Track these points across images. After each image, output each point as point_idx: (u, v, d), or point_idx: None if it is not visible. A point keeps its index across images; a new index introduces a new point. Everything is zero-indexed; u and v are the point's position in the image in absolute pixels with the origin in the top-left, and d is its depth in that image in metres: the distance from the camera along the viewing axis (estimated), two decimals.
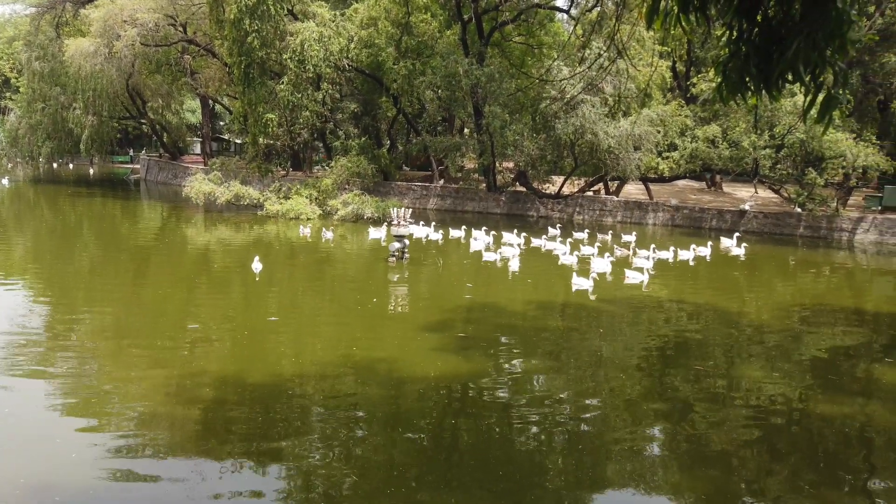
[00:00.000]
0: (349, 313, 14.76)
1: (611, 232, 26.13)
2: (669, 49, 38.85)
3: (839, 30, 3.34)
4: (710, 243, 23.59)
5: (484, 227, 24.83)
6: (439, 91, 34.69)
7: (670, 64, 40.06)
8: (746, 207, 32.45)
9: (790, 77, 3.56)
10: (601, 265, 19.21)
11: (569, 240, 22.84)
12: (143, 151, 63.07)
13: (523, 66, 37.40)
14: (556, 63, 31.05)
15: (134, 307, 14.72)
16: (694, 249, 22.32)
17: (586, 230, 26.67)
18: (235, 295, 16.26)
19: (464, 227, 25.16)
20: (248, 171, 35.65)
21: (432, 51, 35.15)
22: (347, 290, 17.35)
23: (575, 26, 35.61)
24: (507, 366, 11.65)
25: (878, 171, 29.90)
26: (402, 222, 20.00)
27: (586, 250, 21.42)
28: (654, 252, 21.38)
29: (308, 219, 29.55)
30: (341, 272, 19.97)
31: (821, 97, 3.66)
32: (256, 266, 17.73)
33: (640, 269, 18.57)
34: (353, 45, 33.52)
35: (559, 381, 10.92)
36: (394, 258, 19.89)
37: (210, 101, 51.43)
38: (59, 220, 30.49)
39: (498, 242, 23.01)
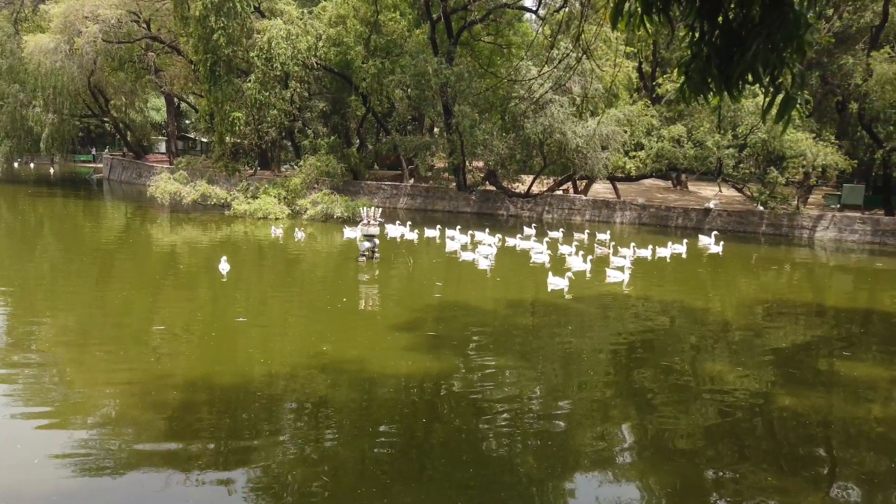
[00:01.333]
0: (319, 313, 14.67)
1: (587, 231, 26.43)
2: (636, 50, 39.37)
3: (796, 32, 3.44)
4: (685, 241, 24.09)
5: (459, 227, 24.88)
6: (409, 90, 34.65)
7: (636, 64, 40.59)
8: (711, 206, 33.07)
9: (750, 78, 3.66)
10: (579, 264, 19.45)
11: (546, 239, 23.08)
12: (107, 150, 61.76)
13: (492, 65, 37.58)
14: (524, 63, 31.25)
15: (97, 310, 14.42)
16: (671, 247, 22.89)
17: (561, 229, 26.88)
18: (202, 296, 16.03)
19: (438, 226, 25.19)
20: (214, 171, 35.17)
21: (401, 50, 35.09)
22: (317, 290, 17.24)
23: (543, 26, 35.86)
24: (477, 364, 11.70)
25: (837, 170, 30.72)
26: (372, 222, 19.94)
27: (564, 249, 21.56)
28: (634, 250, 21.83)
29: (276, 218, 29.26)
30: (311, 272, 19.83)
31: (780, 98, 3.76)
32: (224, 267, 17.50)
33: (620, 269, 18.83)
34: (321, 44, 33.29)
35: (529, 379, 11.01)
36: (364, 258, 19.82)
37: (175, 99, 50.56)
38: (19, 221, 29.69)
39: (474, 242, 23.05)
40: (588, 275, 19.01)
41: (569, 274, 17.60)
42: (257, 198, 30.88)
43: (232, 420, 8.91)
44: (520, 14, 38.81)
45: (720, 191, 40.57)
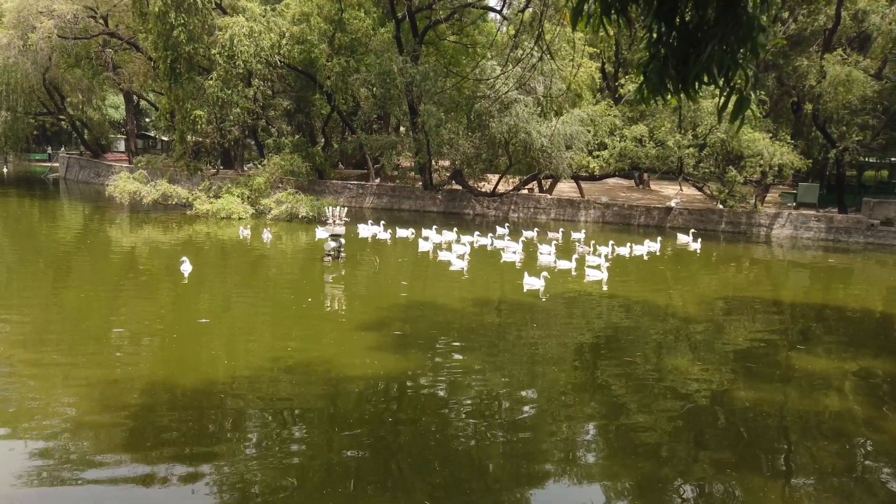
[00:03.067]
0: (284, 314, 14.52)
1: (561, 230, 26.71)
2: (598, 51, 39.84)
3: (750, 34, 3.53)
4: (659, 238, 24.67)
5: (435, 227, 24.87)
6: (374, 89, 34.50)
7: (600, 65, 41.09)
8: (672, 205, 33.69)
9: (706, 79, 3.75)
10: (565, 264, 19.72)
11: (521, 239, 23.28)
12: (63, 149, 60.17)
13: (458, 64, 37.63)
14: (490, 63, 31.38)
15: (54, 313, 14.05)
16: (647, 245, 23.61)
17: (536, 229, 26.99)
18: (164, 298, 15.73)
19: (412, 229, 25.14)
20: (175, 170, 34.52)
21: (366, 48, 34.93)
22: (282, 290, 17.06)
23: (508, 26, 36.07)
24: (444, 363, 11.73)
25: (793, 170, 31.56)
26: (337, 221, 19.81)
27: (544, 249, 21.73)
28: (612, 249, 22.36)
29: (240, 218, 28.87)
30: (275, 273, 19.61)
31: (735, 98, 3.86)
32: (185, 268, 17.20)
33: (598, 267, 19.06)
34: (284, 42, 32.90)
35: (496, 377, 11.07)
36: (329, 258, 19.68)
37: (134, 97, 49.52)
38: None
39: (449, 242, 22.98)
40: (573, 273, 19.24)
41: (544, 274, 17.54)
42: (220, 197, 30.40)
43: (195, 423, 8.77)
44: (484, 14, 38.96)
45: (681, 190, 41.34)
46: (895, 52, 31.55)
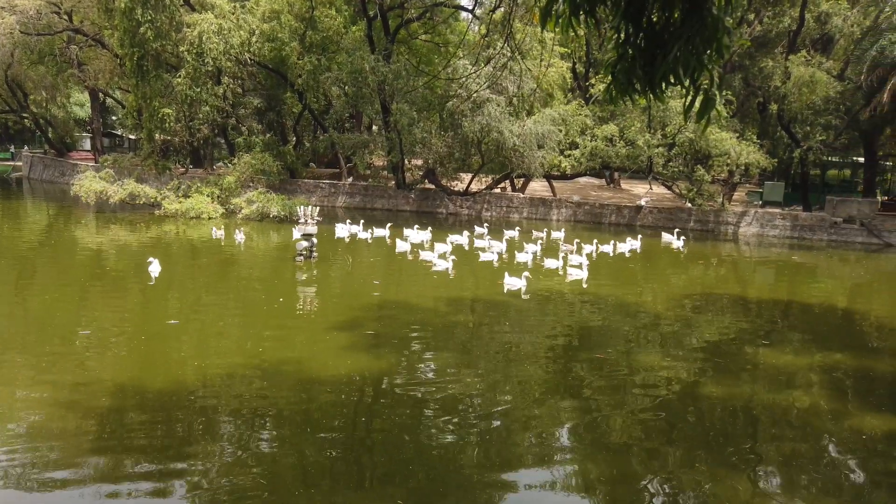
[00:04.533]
0: (255, 314, 14.38)
1: (546, 229, 26.88)
2: (570, 51, 40.13)
3: (714, 35, 3.60)
4: (640, 237, 25.09)
5: (416, 226, 24.81)
6: (346, 87, 34.33)
7: (570, 65, 41.41)
8: (642, 203, 34.13)
9: (672, 79, 3.81)
10: (552, 262, 19.93)
11: (506, 238, 23.38)
12: (26, 148, 58.68)
13: (430, 63, 37.62)
14: (462, 62, 31.42)
15: (18, 314, 13.72)
16: (629, 242, 24.12)
17: (517, 228, 27.04)
18: (132, 299, 15.46)
19: (389, 224, 25.06)
20: (143, 169, 33.93)
21: (338, 46, 34.72)
22: (253, 290, 16.88)
23: (480, 26, 36.16)
24: (417, 362, 11.73)
25: (759, 169, 32.18)
26: (309, 221, 19.67)
27: (530, 248, 21.83)
28: (597, 247, 22.86)
29: (210, 218, 28.49)
30: (247, 273, 19.39)
31: (700, 98, 3.93)
32: (154, 268, 16.92)
33: (579, 266, 19.20)
34: (254, 39, 32.55)
35: (470, 375, 11.10)
36: (301, 257, 19.54)
37: (100, 95, 48.54)
38: None
39: (432, 242, 22.90)
40: (560, 272, 19.41)
41: (526, 273, 17.42)
42: (189, 197, 29.97)
43: (165, 427, 8.64)
44: (456, 13, 39.02)
45: (651, 188, 41.88)
46: (856, 54, 32.34)
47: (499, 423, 9.39)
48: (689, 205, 32.73)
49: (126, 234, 24.96)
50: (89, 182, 30.82)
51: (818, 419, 9.95)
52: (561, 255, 20.58)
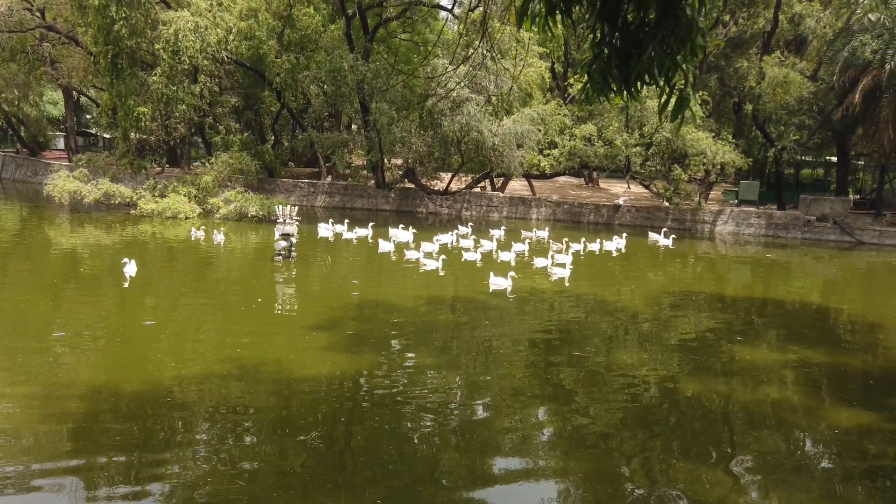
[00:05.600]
0: (233, 315, 14.25)
1: (535, 230, 26.98)
2: (548, 51, 40.30)
3: (688, 35, 3.64)
4: (625, 235, 25.31)
5: (401, 225, 24.73)
6: (325, 86, 34.11)
7: (549, 65, 41.59)
8: (620, 202, 34.40)
9: (647, 79, 3.85)
10: (541, 261, 20.02)
11: (495, 238, 23.45)
12: None
13: (409, 62, 37.54)
14: (441, 62, 31.41)
15: None
16: (615, 241, 24.45)
17: (503, 227, 27.00)
18: (107, 300, 15.23)
19: (371, 224, 24.95)
20: (118, 168, 33.43)
21: (316, 45, 34.51)
22: (231, 291, 16.72)
23: (459, 25, 36.15)
24: (397, 362, 11.71)
25: (735, 168, 32.60)
26: (288, 220, 19.54)
27: (518, 247, 21.84)
28: (585, 246, 23.17)
29: (187, 217, 28.16)
30: (224, 273, 19.21)
31: (675, 98, 3.98)
32: (129, 269, 16.67)
33: (562, 265, 19.26)
34: (231, 37, 32.20)
35: (449, 375, 11.11)
36: (280, 257, 19.40)
37: (74, 93, 47.79)
38: None
39: (418, 241, 22.79)
40: (549, 270, 19.47)
41: (511, 273, 17.33)
42: (166, 196, 29.59)
43: (141, 430, 8.53)
44: (435, 12, 38.98)
45: (629, 188, 42.21)
46: (829, 55, 32.89)
47: (478, 421, 9.40)
48: (667, 204, 33.06)
49: (101, 235, 24.59)
50: (63, 181, 30.31)
51: (792, 414, 10.11)
52: (551, 254, 20.67)
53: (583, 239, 23.47)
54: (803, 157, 37.98)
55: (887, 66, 27.79)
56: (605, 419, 9.66)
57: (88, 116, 61.98)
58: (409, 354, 12.11)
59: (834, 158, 38.60)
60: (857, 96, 29.26)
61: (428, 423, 9.18)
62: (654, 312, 16.17)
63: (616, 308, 16.40)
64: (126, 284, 16.14)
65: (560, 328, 14.56)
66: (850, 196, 35.68)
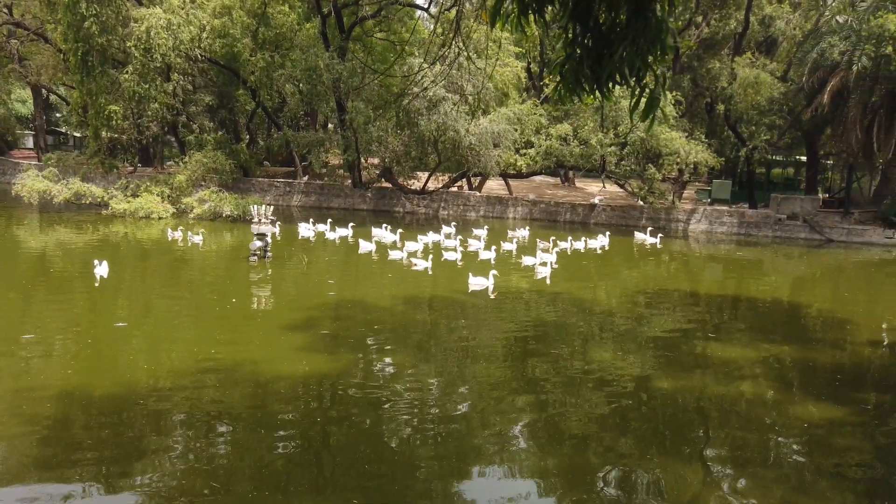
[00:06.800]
0: (207, 316, 14.10)
1: (519, 228, 27.05)
2: (524, 50, 40.50)
3: (658, 36, 3.70)
4: (607, 233, 25.69)
5: (385, 225, 24.63)
6: (300, 85, 33.92)
7: (525, 65, 41.79)
8: (596, 201, 34.71)
9: (619, 78, 3.90)
10: (531, 260, 20.19)
11: (482, 237, 23.49)
12: None
13: (385, 62, 37.45)
14: (417, 61, 31.39)
15: None
16: (600, 239, 24.76)
17: (486, 227, 27.00)
18: (78, 302, 14.98)
19: (351, 224, 24.83)
20: (89, 168, 32.90)
21: (291, 43, 34.28)
22: (205, 291, 16.54)
23: (435, 24, 36.15)
24: (374, 362, 11.68)
25: (707, 167, 33.09)
26: (263, 220, 19.39)
27: (507, 246, 21.84)
28: (571, 244, 23.51)
29: (160, 218, 27.80)
30: (198, 274, 18.99)
31: (645, 97, 4.03)
32: (99, 270, 16.40)
33: (545, 264, 19.34)
34: (205, 35, 31.81)
35: (427, 374, 11.12)
36: (255, 257, 19.24)
37: (43, 91, 46.86)
38: None
39: (404, 241, 22.71)
40: (536, 268, 19.56)
41: (493, 272, 17.26)
42: (138, 196, 29.18)
43: (113, 433, 8.40)
44: (411, 11, 38.93)
45: (604, 187, 42.59)
46: (798, 56, 33.52)
47: (456, 420, 9.42)
48: (641, 203, 33.42)
49: (72, 235, 24.16)
50: (32, 181, 29.77)
51: (764, 409, 10.29)
52: (538, 252, 20.80)
53: (569, 238, 23.69)
54: (774, 157, 38.66)
55: (855, 68, 28.41)
56: (582, 416, 9.74)
57: (58, 115, 60.88)
58: (387, 354, 12.09)
59: (804, 158, 39.38)
60: (825, 97, 29.87)
61: (405, 423, 9.17)
62: (630, 309, 16.34)
63: (593, 306, 16.53)
64: (97, 285, 15.88)
65: (538, 325, 14.63)
66: (820, 195, 36.44)
